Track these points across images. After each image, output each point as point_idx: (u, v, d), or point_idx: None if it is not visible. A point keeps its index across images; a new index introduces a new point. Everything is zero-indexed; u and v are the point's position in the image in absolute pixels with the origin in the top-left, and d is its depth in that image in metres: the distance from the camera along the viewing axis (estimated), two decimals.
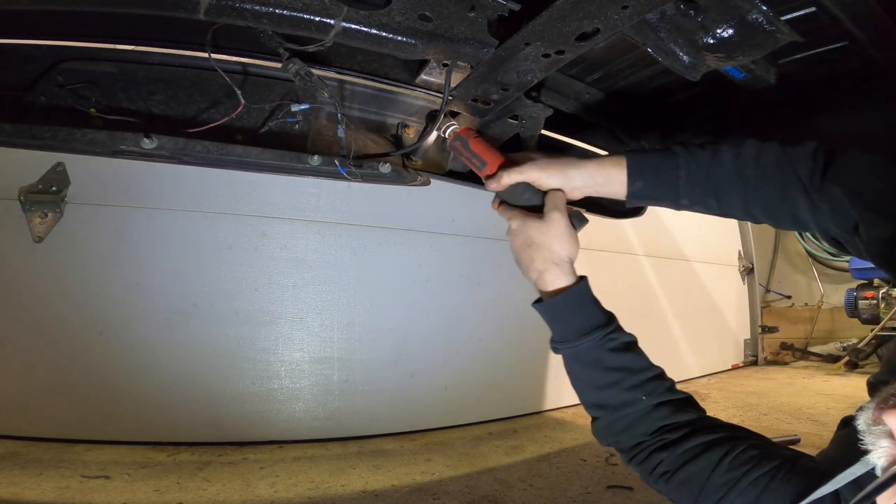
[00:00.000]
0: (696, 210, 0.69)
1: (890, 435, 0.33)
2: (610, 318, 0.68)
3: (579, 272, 0.72)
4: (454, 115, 0.92)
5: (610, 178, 0.68)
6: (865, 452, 0.35)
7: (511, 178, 0.70)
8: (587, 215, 0.76)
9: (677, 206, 0.69)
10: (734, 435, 0.60)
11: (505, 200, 0.74)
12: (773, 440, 0.61)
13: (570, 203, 0.73)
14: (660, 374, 0.66)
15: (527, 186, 0.71)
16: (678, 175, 0.66)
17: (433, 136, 0.85)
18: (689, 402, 0.65)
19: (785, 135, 1.12)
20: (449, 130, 0.83)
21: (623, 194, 0.69)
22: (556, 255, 0.68)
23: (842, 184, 0.59)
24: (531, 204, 0.71)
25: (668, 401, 0.63)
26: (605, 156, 0.70)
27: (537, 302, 0.71)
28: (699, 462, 0.57)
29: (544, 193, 0.71)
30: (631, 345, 0.67)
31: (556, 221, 0.68)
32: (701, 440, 0.59)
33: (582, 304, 0.68)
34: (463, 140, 0.80)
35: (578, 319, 0.67)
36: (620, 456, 0.66)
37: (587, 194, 0.72)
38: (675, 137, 1.29)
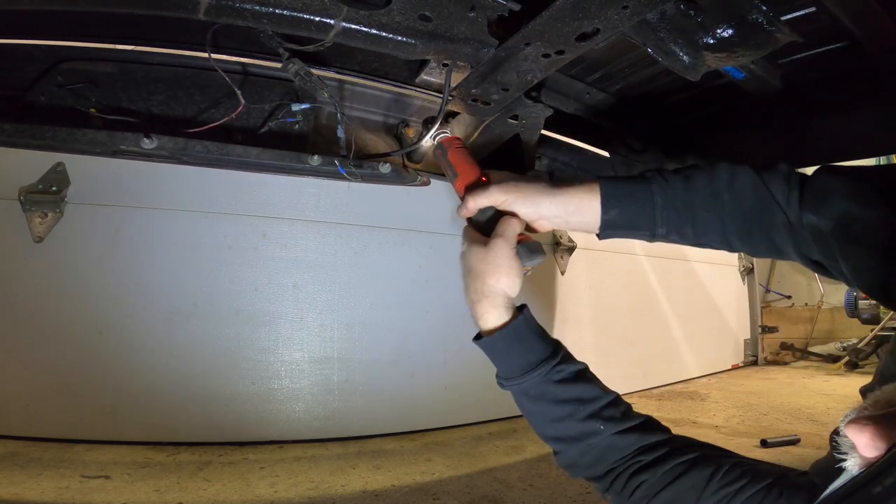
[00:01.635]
0: (671, 240, 0.66)
1: (854, 447, 0.33)
2: (555, 350, 0.64)
3: (580, 272, 0.71)
4: (454, 115, 0.92)
5: (581, 207, 0.64)
6: (842, 462, 0.35)
7: (476, 202, 0.67)
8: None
9: (652, 237, 0.65)
10: (712, 453, 0.59)
11: (471, 221, 0.71)
12: (773, 440, 0.61)
13: (536, 232, 0.70)
14: (613, 401, 0.63)
15: (491, 210, 0.67)
16: (654, 201, 0.63)
17: (429, 140, 0.85)
18: (650, 423, 0.63)
19: (785, 135, 1.12)
20: (438, 137, 0.82)
21: (595, 224, 0.64)
22: (489, 287, 0.63)
23: (819, 213, 0.56)
24: (489, 230, 0.66)
25: (629, 427, 0.61)
26: (578, 183, 0.65)
27: (477, 338, 0.67)
28: (684, 482, 0.55)
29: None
30: (580, 373, 0.63)
31: (497, 249, 0.63)
32: (682, 459, 0.57)
33: (521, 340, 0.64)
34: (444, 149, 0.78)
35: (520, 355, 0.63)
36: (596, 487, 0.63)
37: (556, 226, 0.68)
38: (674, 138, 1.29)
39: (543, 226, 0.68)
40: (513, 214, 0.66)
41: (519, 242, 0.65)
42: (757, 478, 0.53)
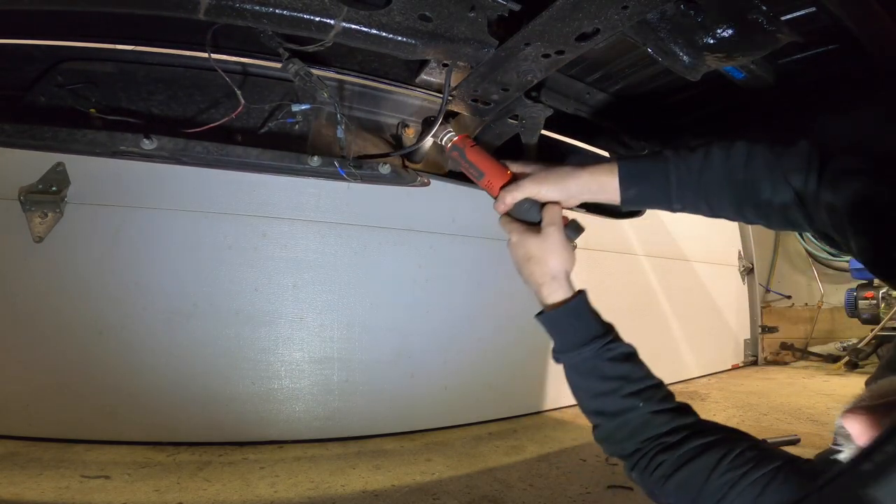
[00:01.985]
0: (689, 212, 0.70)
1: (850, 437, 0.33)
2: (608, 330, 0.70)
3: (580, 272, 0.74)
4: (453, 115, 0.92)
5: (603, 187, 0.70)
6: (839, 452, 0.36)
7: (514, 196, 0.73)
8: (587, 219, 0.77)
9: (670, 209, 0.70)
10: (731, 437, 0.61)
11: (507, 213, 0.76)
12: (773, 440, 0.61)
13: (570, 209, 0.75)
14: (658, 384, 0.67)
15: (526, 201, 0.73)
16: (669, 181, 0.67)
17: (430, 141, 0.85)
18: (686, 409, 0.66)
19: (785, 135, 1.12)
20: (445, 139, 0.82)
21: (618, 200, 0.71)
22: (552, 269, 0.71)
23: (835, 191, 0.59)
24: (530, 218, 0.74)
25: (666, 409, 0.64)
26: (599, 164, 0.72)
27: (539, 314, 0.74)
28: (697, 463, 0.58)
29: (542, 206, 0.73)
30: (629, 355, 0.69)
31: (552, 236, 0.71)
32: (699, 442, 0.60)
33: (580, 317, 0.70)
34: (460, 150, 0.79)
35: (577, 330, 0.69)
36: (624, 465, 0.67)
37: (584, 200, 0.74)
38: (674, 137, 1.29)
39: (572, 203, 0.75)
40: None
41: (563, 225, 0.73)
42: (764, 462, 0.55)
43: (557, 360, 0.72)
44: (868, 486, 0.27)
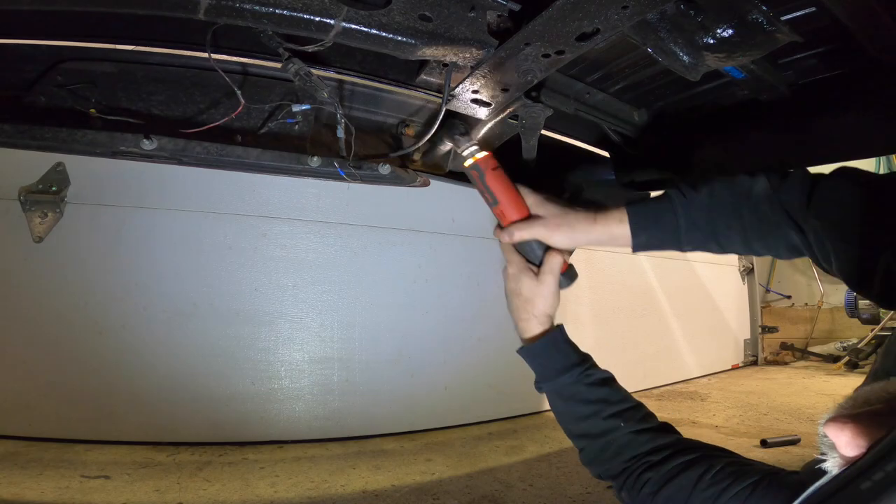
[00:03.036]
0: (698, 251, 0.72)
1: (834, 447, 0.33)
2: (585, 358, 0.74)
3: (579, 272, 0.76)
4: (459, 121, 0.88)
5: (613, 236, 0.72)
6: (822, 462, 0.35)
7: (522, 235, 0.75)
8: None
9: (681, 251, 0.72)
10: (711, 454, 0.64)
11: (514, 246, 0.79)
12: (773, 440, 0.62)
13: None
14: (636, 405, 0.70)
15: (534, 240, 0.75)
16: (678, 224, 0.69)
17: (448, 146, 0.84)
18: (667, 427, 0.70)
19: (785, 134, 1.12)
20: (467, 152, 0.78)
21: (628, 246, 0.73)
22: (538, 310, 0.74)
23: (820, 217, 0.60)
24: (532, 258, 0.76)
25: (648, 428, 0.67)
26: (609, 212, 0.72)
27: (520, 349, 0.78)
28: (681, 480, 0.60)
29: (546, 248, 0.75)
30: (607, 380, 0.72)
31: (547, 283, 0.74)
32: (681, 460, 0.62)
33: (558, 348, 0.74)
34: (480, 171, 0.76)
35: (556, 360, 0.73)
36: (613, 487, 0.69)
37: (593, 245, 0.77)
38: (674, 137, 1.29)
39: (579, 247, 0.78)
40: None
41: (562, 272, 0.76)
42: (744, 476, 0.56)
43: (539, 389, 0.75)
44: None
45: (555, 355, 0.73)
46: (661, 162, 1.36)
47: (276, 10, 0.62)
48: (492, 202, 0.77)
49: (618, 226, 0.71)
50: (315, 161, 0.91)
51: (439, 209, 2.07)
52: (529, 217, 0.75)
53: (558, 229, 0.73)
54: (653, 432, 0.67)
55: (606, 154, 1.40)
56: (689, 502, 0.58)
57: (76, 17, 0.82)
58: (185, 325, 1.64)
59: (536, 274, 0.74)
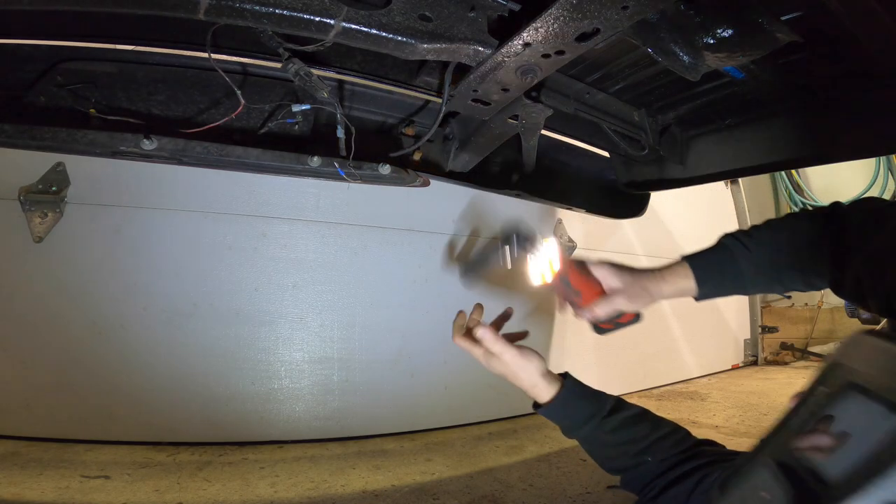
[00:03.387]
0: (761, 293, 0.83)
1: None
2: (602, 405, 0.79)
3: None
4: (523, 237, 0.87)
5: (682, 290, 0.79)
6: None
7: (605, 311, 0.80)
8: (588, 219, 0.83)
9: (745, 294, 0.80)
10: (713, 461, 0.71)
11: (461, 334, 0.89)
12: None
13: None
14: (666, 434, 0.77)
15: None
16: (741, 271, 0.75)
17: (509, 256, 0.89)
18: (696, 454, 0.74)
19: (785, 135, 1.12)
20: (547, 262, 0.84)
21: (694, 296, 0.79)
22: (531, 376, 0.81)
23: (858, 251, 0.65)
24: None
25: (674, 454, 0.74)
26: (672, 269, 0.79)
27: (538, 408, 0.84)
28: (677, 488, 0.69)
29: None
30: (633, 418, 0.78)
31: (509, 353, 0.82)
32: (685, 468, 0.71)
33: (570, 403, 0.81)
34: (565, 279, 0.82)
35: (573, 416, 0.80)
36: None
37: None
38: (674, 137, 1.29)
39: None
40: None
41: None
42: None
43: (569, 437, 0.83)
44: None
45: (570, 412, 0.80)
46: (660, 162, 1.36)
47: (276, 10, 0.62)
48: (575, 295, 0.82)
49: (685, 281, 0.77)
50: (315, 161, 0.91)
51: (439, 209, 2.07)
52: (606, 294, 0.81)
53: (637, 298, 0.79)
54: (678, 457, 0.73)
55: (606, 154, 1.40)
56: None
57: (76, 17, 0.82)
58: (185, 325, 1.64)
59: (516, 350, 0.82)
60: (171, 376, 1.62)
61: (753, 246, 0.74)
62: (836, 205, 0.71)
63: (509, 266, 0.86)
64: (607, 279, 0.81)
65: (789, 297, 4.13)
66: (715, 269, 0.76)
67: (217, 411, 1.66)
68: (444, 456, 1.72)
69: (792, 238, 0.72)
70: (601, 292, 0.81)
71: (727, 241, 0.77)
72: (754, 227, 0.77)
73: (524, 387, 0.82)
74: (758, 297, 3.94)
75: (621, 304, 0.79)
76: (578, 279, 0.81)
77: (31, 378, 1.50)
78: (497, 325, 0.91)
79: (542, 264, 0.83)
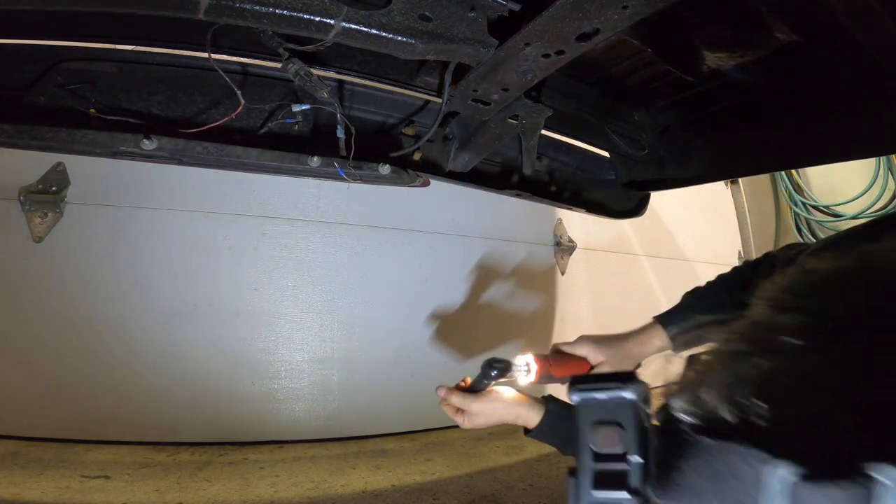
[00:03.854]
0: None
1: None
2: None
3: (579, 272, 0.80)
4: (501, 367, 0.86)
5: (659, 348, 0.90)
6: None
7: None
8: (588, 219, 0.93)
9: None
10: None
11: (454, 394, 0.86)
12: None
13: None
14: None
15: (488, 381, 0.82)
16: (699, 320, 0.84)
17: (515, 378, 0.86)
18: None
19: (784, 135, 1.12)
20: (524, 377, 0.84)
21: (670, 349, 0.90)
22: (506, 414, 0.84)
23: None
24: (480, 388, 0.84)
25: None
26: (647, 333, 0.90)
27: (528, 432, 0.87)
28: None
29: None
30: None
31: (486, 400, 0.84)
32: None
33: (555, 426, 0.84)
34: (548, 377, 0.85)
35: (561, 436, 0.85)
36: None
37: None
38: (674, 137, 1.29)
39: None
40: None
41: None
42: None
43: (566, 454, 0.84)
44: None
45: (559, 433, 0.84)
46: (660, 162, 1.36)
47: (276, 10, 0.62)
48: (563, 380, 0.86)
49: (660, 340, 0.88)
50: (315, 161, 0.91)
51: (439, 209, 2.07)
52: (593, 368, 0.88)
53: (622, 365, 0.88)
54: None
55: (606, 154, 1.40)
56: None
57: (76, 17, 0.82)
58: (185, 325, 1.64)
59: (479, 398, 0.83)
60: (171, 376, 1.62)
61: (706, 295, 0.86)
62: (767, 253, 0.82)
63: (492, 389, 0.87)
64: (591, 355, 0.88)
65: None
66: (681, 325, 0.87)
67: (217, 411, 1.66)
68: (444, 456, 1.72)
69: (731, 280, 0.84)
70: (589, 368, 0.87)
71: (686, 298, 0.89)
72: (708, 282, 0.89)
73: (511, 422, 0.85)
74: None
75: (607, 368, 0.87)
76: (561, 369, 0.86)
77: (31, 378, 1.50)
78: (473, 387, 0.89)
79: (523, 377, 0.84)
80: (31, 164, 1.50)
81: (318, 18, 0.63)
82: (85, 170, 1.55)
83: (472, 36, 0.71)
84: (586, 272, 2.50)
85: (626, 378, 0.46)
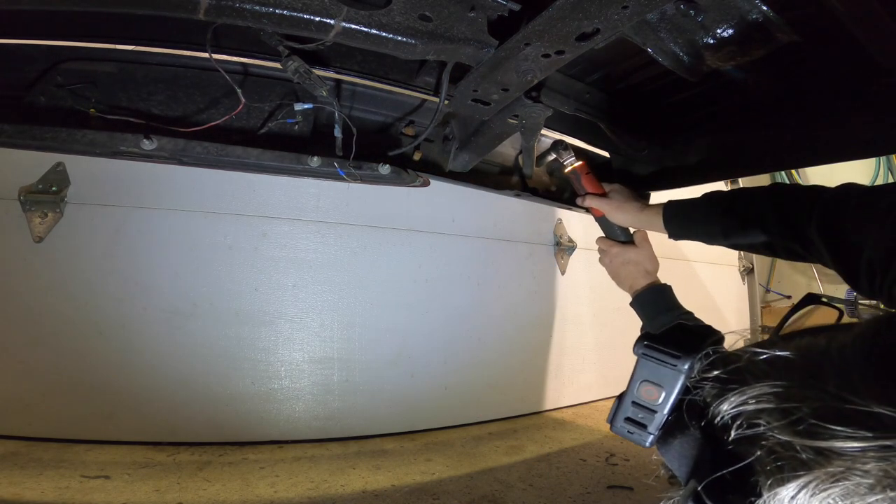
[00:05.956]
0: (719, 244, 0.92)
1: None
2: (684, 311, 0.93)
3: (580, 272, 0.81)
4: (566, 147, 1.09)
5: (652, 224, 0.98)
6: None
7: (590, 203, 1.06)
8: (587, 218, 1.08)
9: (707, 242, 0.93)
10: None
11: (604, 236, 1.09)
12: None
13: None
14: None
15: (619, 226, 1.06)
16: (705, 221, 0.89)
17: (551, 157, 1.11)
18: None
19: (784, 135, 1.12)
20: (567, 161, 1.08)
21: (664, 233, 0.97)
22: (645, 267, 1.02)
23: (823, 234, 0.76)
24: (619, 238, 1.07)
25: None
26: (655, 206, 0.98)
27: (631, 301, 1.00)
28: None
29: (628, 233, 1.06)
30: (705, 327, 0.84)
31: (645, 248, 1.05)
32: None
33: (662, 294, 0.97)
34: (577, 175, 1.08)
35: (657, 303, 0.94)
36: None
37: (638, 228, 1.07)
38: (674, 137, 1.29)
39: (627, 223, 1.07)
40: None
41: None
42: None
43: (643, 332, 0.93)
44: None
45: (658, 299, 0.94)
46: (660, 162, 1.36)
47: (276, 10, 0.62)
48: (582, 193, 1.08)
49: (656, 217, 0.95)
50: (315, 161, 0.91)
51: (439, 209, 2.07)
52: (601, 196, 1.05)
53: (616, 210, 1.02)
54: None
55: (606, 154, 1.40)
56: None
57: (76, 17, 0.82)
58: (185, 325, 1.64)
59: (635, 246, 1.03)
60: (171, 376, 1.62)
61: (718, 202, 0.86)
62: (819, 191, 0.74)
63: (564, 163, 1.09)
64: (609, 191, 1.06)
65: (790, 298, 4.13)
66: (683, 214, 0.92)
67: (217, 411, 1.66)
68: (444, 456, 1.72)
69: (754, 209, 0.81)
70: (601, 192, 1.07)
71: (709, 194, 0.90)
72: (733, 193, 0.87)
73: (638, 275, 1.01)
74: (757, 297, 3.94)
75: (604, 207, 1.03)
76: (589, 184, 1.07)
77: (31, 378, 1.50)
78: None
79: (569, 161, 1.08)
80: (31, 164, 1.50)
81: (318, 18, 0.63)
82: (85, 170, 1.55)
83: (472, 36, 0.71)
84: (586, 272, 2.50)
85: (690, 350, 0.53)
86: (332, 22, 0.64)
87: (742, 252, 3.94)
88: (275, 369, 1.75)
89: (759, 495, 0.32)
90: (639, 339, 0.57)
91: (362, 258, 1.90)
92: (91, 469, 1.37)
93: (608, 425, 0.61)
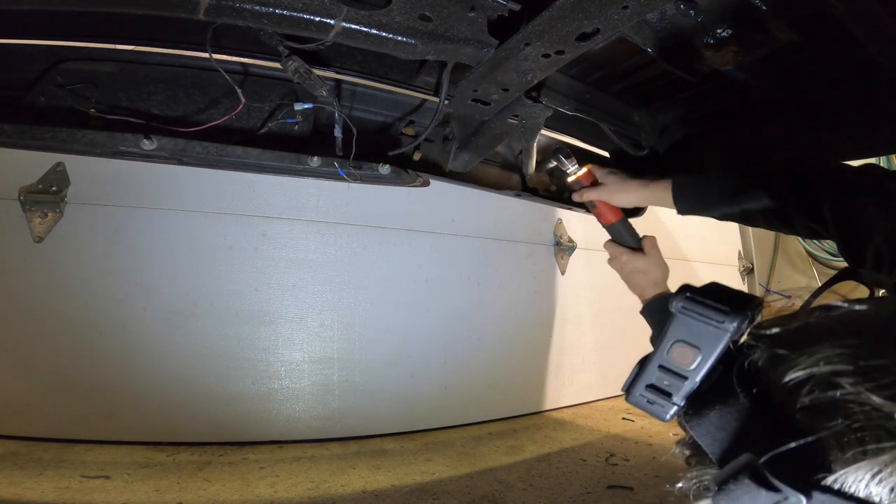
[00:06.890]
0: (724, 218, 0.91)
1: None
2: None
3: (580, 272, 0.80)
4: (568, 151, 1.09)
5: (660, 199, 0.93)
6: None
7: (588, 196, 1.03)
8: (588, 219, 1.07)
9: (714, 217, 0.91)
10: None
11: (613, 240, 1.07)
12: None
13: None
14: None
15: (628, 231, 1.05)
16: (713, 194, 0.87)
17: (552, 164, 1.10)
18: None
19: (784, 135, 1.12)
20: (571, 170, 1.06)
21: (673, 208, 0.92)
22: (656, 278, 0.99)
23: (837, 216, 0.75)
24: (628, 244, 1.05)
25: None
26: (658, 180, 0.94)
27: (642, 310, 0.98)
28: None
29: (637, 237, 1.05)
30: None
31: (654, 255, 1.01)
32: None
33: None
34: (581, 185, 1.05)
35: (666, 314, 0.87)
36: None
37: (644, 205, 1.04)
38: (672, 136, 1.29)
39: (631, 205, 1.03)
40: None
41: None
42: None
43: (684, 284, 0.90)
44: None
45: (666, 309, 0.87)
46: (660, 162, 1.35)
47: (276, 10, 0.62)
48: (578, 188, 1.06)
49: (664, 192, 0.90)
50: (315, 161, 0.91)
51: (439, 209, 2.07)
52: (594, 184, 1.01)
53: (618, 191, 0.98)
54: None
55: (606, 154, 1.40)
56: None
57: (76, 17, 0.82)
58: (185, 325, 1.64)
59: (644, 254, 1.00)
60: (171, 376, 1.62)
61: (728, 178, 0.85)
62: (838, 170, 0.74)
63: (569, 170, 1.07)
64: (600, 177, 1.02)
65: (789, 297, 4.13)
66: (692, 187, 0.89)
67: (217, 411, 1.66)
68: (444, 456, 1.72)
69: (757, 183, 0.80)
70: (593, 180, 1.04)
71: (719, 170, 0.88)
72: (737, 168, 0.86)
73: (647, 284, 0.99)
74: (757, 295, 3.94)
75: (603, 195, 1.00)
76: (588, 178, 1.05)
77: (31, 378, 1.50)
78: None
79: (573, 168, 1.07)
80: (31, 164, 1.50)
81: (318, 18, 0.63)
82: (85, 170, 1.55)
83: (472, 36, 0.71)
84: (586, 272, 2.50)
85: (739, 307, 0.43)
86: (332, 22, 0.64)
87: (742, 252, 3.94)
88: (275, 369, 1.75)
89: (830, 471, 0.28)
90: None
91: (362, 258, 1.90)
92: (91, 469, 1.37)
93: (624, 393, 0.50)
